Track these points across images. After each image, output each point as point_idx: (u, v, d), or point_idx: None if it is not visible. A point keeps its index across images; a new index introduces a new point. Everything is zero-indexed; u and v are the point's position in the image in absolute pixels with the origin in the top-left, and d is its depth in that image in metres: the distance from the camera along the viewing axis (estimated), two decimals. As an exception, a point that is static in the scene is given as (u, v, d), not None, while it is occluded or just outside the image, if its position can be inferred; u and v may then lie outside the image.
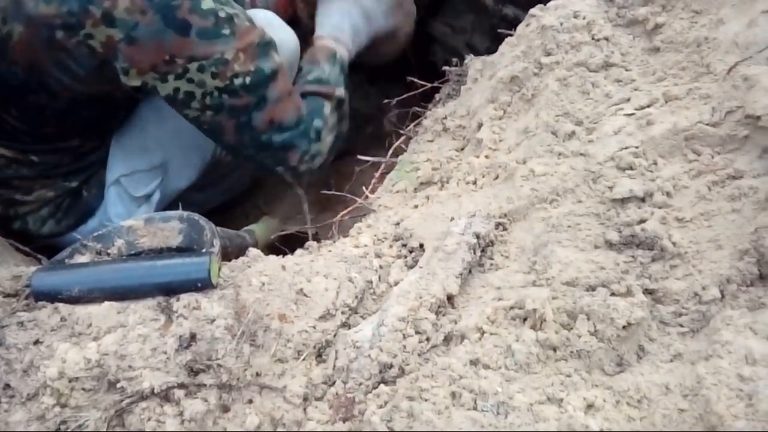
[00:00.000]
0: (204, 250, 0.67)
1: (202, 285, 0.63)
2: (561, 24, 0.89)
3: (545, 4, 0.96)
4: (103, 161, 1.12)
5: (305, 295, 0.65)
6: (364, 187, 0.98)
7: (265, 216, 1.39)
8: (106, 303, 0.63)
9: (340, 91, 1.14)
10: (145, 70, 0.90)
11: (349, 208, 0.96)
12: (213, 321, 0.61)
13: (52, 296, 0.63)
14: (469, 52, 2.00)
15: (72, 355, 0.58)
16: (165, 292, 0.64)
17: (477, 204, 0.77)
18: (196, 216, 0.73)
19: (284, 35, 1.12)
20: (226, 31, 0.92)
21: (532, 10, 0.95)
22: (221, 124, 1.00)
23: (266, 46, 0.98)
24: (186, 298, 0.63)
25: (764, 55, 0.74)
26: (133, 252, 0.70)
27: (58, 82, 0.93)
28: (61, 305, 0.63)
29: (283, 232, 1.19)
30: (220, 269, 0.67)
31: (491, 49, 1.13)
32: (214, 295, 0.63)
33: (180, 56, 0.90)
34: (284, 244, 1.20)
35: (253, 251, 0.72)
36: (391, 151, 1.07)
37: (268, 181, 1.75)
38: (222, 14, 0.92)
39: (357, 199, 0.95)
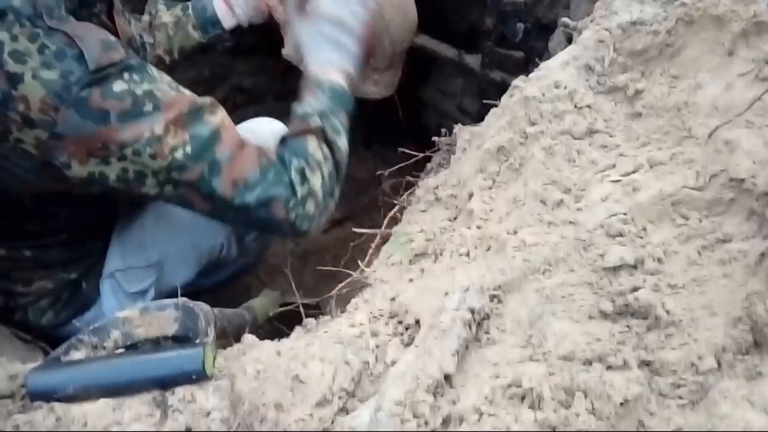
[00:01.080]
0: (198, 341, 0.67)
1: (197, 377, 0.63)
2: (543, 94, 0.91)
3: (527, 74, 0.99)
4: (102, 251, 1.12)
5: (301, 381, 0.65)
6: (359, 261, 0.98)
7: (265, 289, 1.39)
8: (102, 400, 0.62)
9: (316, 121, 1.04)
10: (84, 159, 0.86)
11: (344, 282, 0.96)
12: (208, 414, 0.61)
13: (47, 396, 0.63)
14: (461, 115, 2.06)
15: (67, 457, 0.57)
16: (160, 386, 0.63)
17: (471, 276, 0.78)
18: (191, 303, 0.73)
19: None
20: (149, 108, 0.87)
21: (514, 81, 0.98)
22: (186, 197, 0.94)
23: (198, 110, 0.92)
24: (181, 391, 0.62)
25: (744, 118, 0.76)
26: (129, 343, 0.70)
27: (15, 185, 0.91)
28: (56, 405, 0.62)
29: (283, 308, 1.19)
30: (215, 359, 0.67)
31: (482, 112, 1.16)
32: (210, 387, 0.63)
33: (111, 143, 0.85)
34: (285, 318, 1.20)
35: (248, 337, 0.72)
36: (386, 222, 1.08)
37: (268, 251, 1.75)
38: (139, 92, 0.86)
39: (352, 273, 0.95)
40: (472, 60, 1.75)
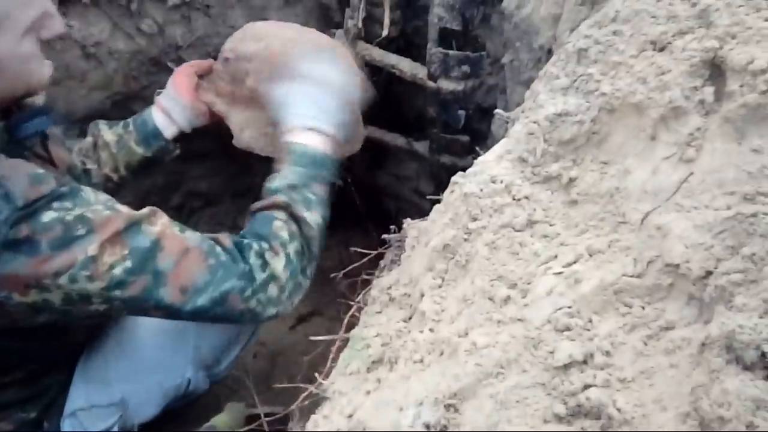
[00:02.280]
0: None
1: None
2: (481, 189, 0.93)
3: (475, 156, 1.01)
4: (62, 385, 1.08)
5: None
6: (316, 374, 0.96)
7: (229, 403, 1.35)
8: None
9: (282, 197, 1.03)
10: (23, 291, 0.85)
11: (302, 396, 0.94)
12: None
13: None
14: (418, 198, 2.09)
15: None
16: None
17: (426, 385, 0.76)
18: None
19: None
20: (81, 231, 0.86)
21: (453, 178, 1.00)
22: (140, 308, 0.93)
23: (136, 223, 0.92)
24: None
25: (672, 201, 0.78)
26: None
27: None
28: None
29: (248, 427, 1.15)
30: None
31: (437, 193, 1.17)
32: None
33: (45, 273, 0.84)
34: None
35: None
36: (344, 328, 1.07)
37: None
38: (70, 218, 0.86)
39: (309, 387, 0.93)
40: (421, 146, 1.80)
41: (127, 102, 1.76)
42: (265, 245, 1.00)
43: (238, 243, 1.00)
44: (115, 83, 1.68)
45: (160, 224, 0.94)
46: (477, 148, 1.63)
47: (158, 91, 1.36)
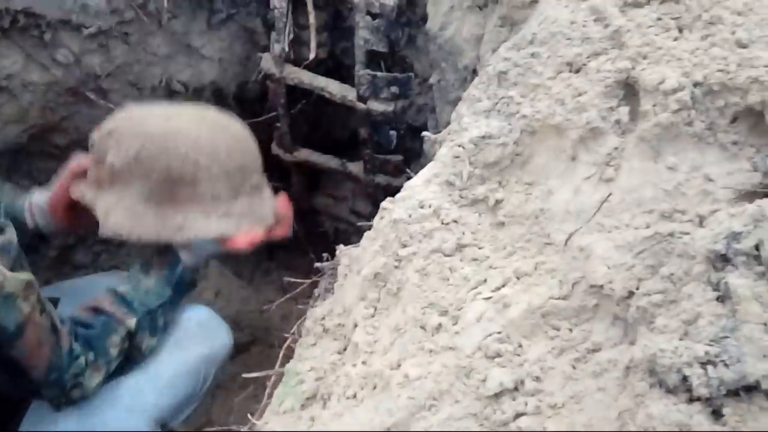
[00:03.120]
0: None
1: None
2: (410, 215, 0.92)
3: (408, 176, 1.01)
4: None
5: None
6: (249, 415, 0.93)
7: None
8: None
9: (132, 321, 1.11)
10: None
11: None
12: None
13: None
14: (355, 217, 2.07)
15: None
16: None
17: (359, 421, 0.74)
18: None
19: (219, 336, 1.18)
20: None
21: (383, 203, 0.99)
22: None
23: (9, 298, 0.95)
24: None
25: (594, 221, 0.79)
26: None
27: None
28: None
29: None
30: None
31: (374, 213, 1.16)
32: None
33: None
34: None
35: None
36: (279, 362, 1.04)
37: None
38: None
39: (242, 429, 0.90)
40: (355, 167, 1.78)
41: (46, 134, 1.68)
42: (90, 358, 1.07)
43: (68, 352, 1.05)
44: (31, 116, 1.60)
45: (30, 305, 0.97)
46: (408, 170, 1.65)
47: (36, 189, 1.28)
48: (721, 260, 0.58)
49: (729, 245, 0.58)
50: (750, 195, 0.68)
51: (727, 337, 0.53)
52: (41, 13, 1.51)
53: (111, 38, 1.57)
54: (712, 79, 0.76)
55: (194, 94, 1.77)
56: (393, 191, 1.03)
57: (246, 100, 1.88)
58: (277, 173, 2.01)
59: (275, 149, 1.85)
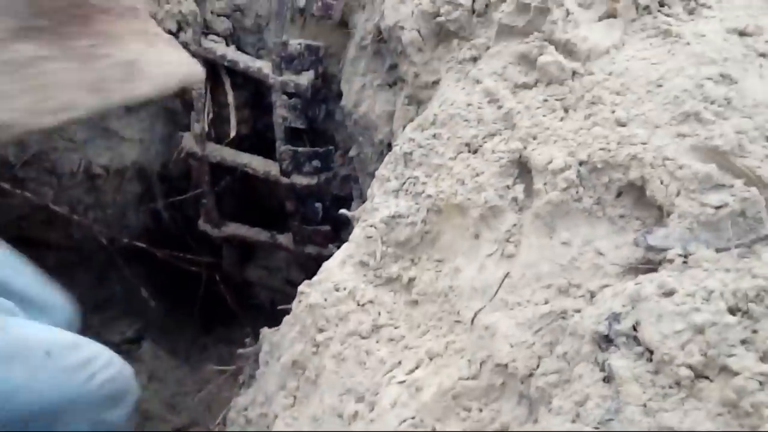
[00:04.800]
0: None
1: None
2: (326, 299, 0.93)
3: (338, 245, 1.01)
4: None
5: None
6: None
7: None
8: None
9: None
10: None
11: None
12: None
13: None
14: (291, 287, 2.06)
15: None
16: None
17: None
18: None
19: None
20: None
21: (300, 287, 1.00)
22: None
23: None
24: None
25: (498, 298, 0.82)
26: None
27: None
28: None
29: None
30: None
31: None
32: None
33: None
34: None
35: None
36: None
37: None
38: None
39: None
40: (285, 239, 1.79)
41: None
42: None
43: None
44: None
45: None
46: (340, 238, 1.66)
47: None
48: (605, 341, 0.61)
49: (610, 326, 0.61)
50: (635, 270, 0.72)
51: (611, 419, 0.55)
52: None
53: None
54: (596, 157, 0.81)
55: (116, 175, 1.76)
56: (325, 260, 1.03)
57: (170, 178, 1.87)
58: (207, 248, 2.00)
59: (202, 225, 1.84)
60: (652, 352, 0.57)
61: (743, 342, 0.52)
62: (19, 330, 1.05)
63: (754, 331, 0.52)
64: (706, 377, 0.52)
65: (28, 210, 1.64)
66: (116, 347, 1.99)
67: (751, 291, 0.54)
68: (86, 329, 2.04)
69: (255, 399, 0.99)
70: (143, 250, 1.80)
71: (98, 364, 1.11)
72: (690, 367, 0.53)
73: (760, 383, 0.49)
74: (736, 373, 0.50)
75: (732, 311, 0.54)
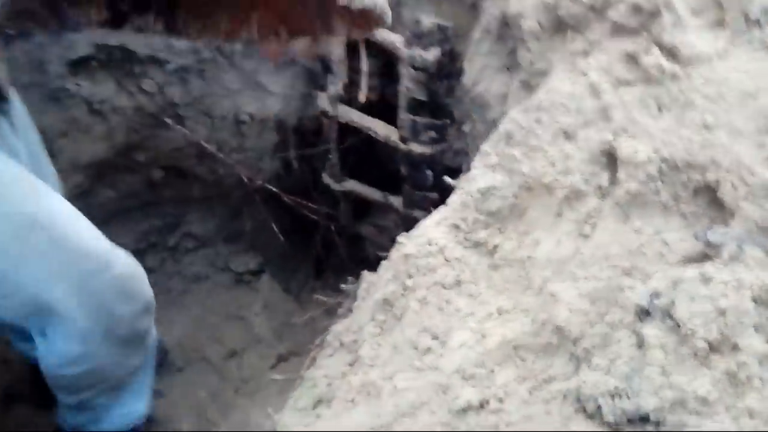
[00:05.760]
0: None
1: None
2: (419, 251, 1.07)
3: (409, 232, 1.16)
4: None
5: None
6: (270, 409, 1.09)
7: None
8: None
9: None
10: None
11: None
12: None
13: None
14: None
15: None
16: None
17: (353, 421, 0.89)
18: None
19: None
20: None
21: (398, 238, 1.14)
22: None
23: None
24: None
25: (568, 270, 0.92)
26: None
27: None
28: None
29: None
30: None
31: None
32: None
33: None
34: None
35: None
36: (305, 369, 1.20)
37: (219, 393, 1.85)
38: None
39: (265, 422, 1.06)
40: (397, 201, 1.94)
41: (129, 152, 1.93)
42: None
43: None
44: (117, 135, 1.85)
45: None
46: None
47: None
48: (644, 314, 0.70)
49: (651, 301, 0.70)
50: (691, 260, 0.80)
51: (633, 376, 0.65)
52: (133, 49, 1.76)
53: (190, 73, 1.80)
54: (678, 156, 0.88)
55: (259, 123, 1.98)
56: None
57: (304, 132, 2.08)
58: (328, 201, 2.20)
59: (326, 179, 2.03)
60: (680, 327, 0.66)
61: (756, 327, 0.60)
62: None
63: (767, 320, 0.60)
64: (719, 351, 0.61)
65: (183, 144, 1.91)
66: (238, 276, 2.27)
67: (773, 285, 0.62)
68: (218, 256, 2.33)
69: (349, 327, 1.15)
70: (274, 193, 2.02)
71: (116, 256, 1.23)
72: (707, 341, 0.62)
73: (759, 361, 0.58)
74: (742, 350, 0.59)
75: (754, 300, 0.62)
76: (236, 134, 1.95)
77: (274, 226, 1.96)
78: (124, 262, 1.26)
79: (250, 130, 1.99)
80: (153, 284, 1.46)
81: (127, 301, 1.26)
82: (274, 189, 1.95)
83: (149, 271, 2.13)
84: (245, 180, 1.93)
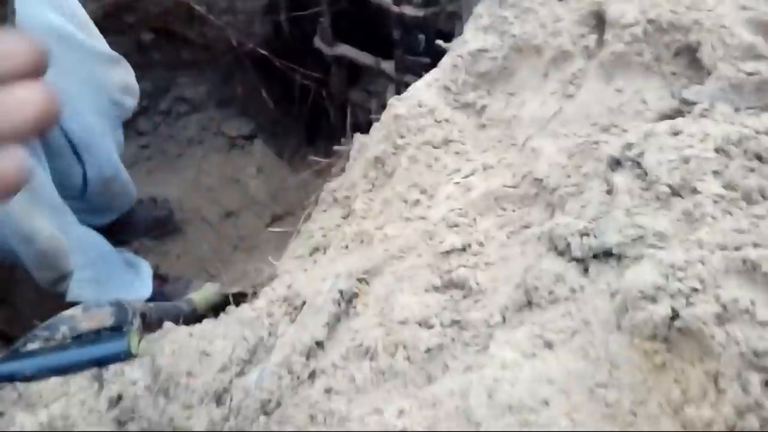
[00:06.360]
0: (125, 329, 0.86)
1: (125, 356, 0.83)
2: (409, 112, 1.11)
3: (401, 94, 1.19)
4: None
5: (207, 354, 0.85)
6: (270, 257, 1.18)
7: (207, 283, 1.59)
8: (53, 378, 0.82)
9: None
10: None
11: (260, 277, 1.17)
12: (135, 383, 0.81)
13: (11, 378, 0.82)
14: (387, 112, 2.24)
15: (27, 421, 0.77)
16: (98, 365, 0.83)
17: (346, 264, 0.98)
18: (124, 301, 0.93)
19: None
20: None
21: (390, 100, 1.18)
22: None
23: None
24: (113, 368, 0.82)
25: (550, 128, 0.97)
26: (75, 335, 0.90)
27: None
28: (18, 384, 0.82)
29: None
30: (140, 342, 0.87)
31: None
32: (135, 363, 0.83)
33: None
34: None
35: (167, 325, 0.92)
36: (301, 221, 1.29)
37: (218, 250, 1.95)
38: None
39: (265, 268, 1.15)
40: (388, 66, 1.95)
41: (118, 12, 1.90)
42: None
43: None
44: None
45: None
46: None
47: None
48: (616, 163, 0.77)
49: (623, 153, 0.76)
50: (666, 116, 0.85)
51: (600, 217, 0.73)
52: None
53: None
54: (664, 17, 0.91)
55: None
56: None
57: (294, -6, 2.04)
58: (320, 66, 2.19)
59: (317, 43, 2.02)
60: (647, 174, 0.72)
61: (715, 173, 0.67)
62: None
63: (726, 166, 0.67)
64: (679, 195, 0.68)
65: (172, 5, 1.87)
66: (232, 140, 2.31)
67: (734, 136, 0.68)
68: (210, 121, 2.36)
69: (342, 184, 1.22)
70: (264, 57, 2.02)
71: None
72: (669, 186, 0.69)
73: (714, 201, 0.65)
74: (699, 193, 0.66)
75: (717, 150, 0.69)
76: (224, -5, 1.91)
77: (264, 93, 1.97)
78: None
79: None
80: (148, 147, 1.50)
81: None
82: (264, 52, 1.95)
83: (143, 134, 2.18)
84: (235, 43, 1.91)
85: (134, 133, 2.08)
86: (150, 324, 0.98)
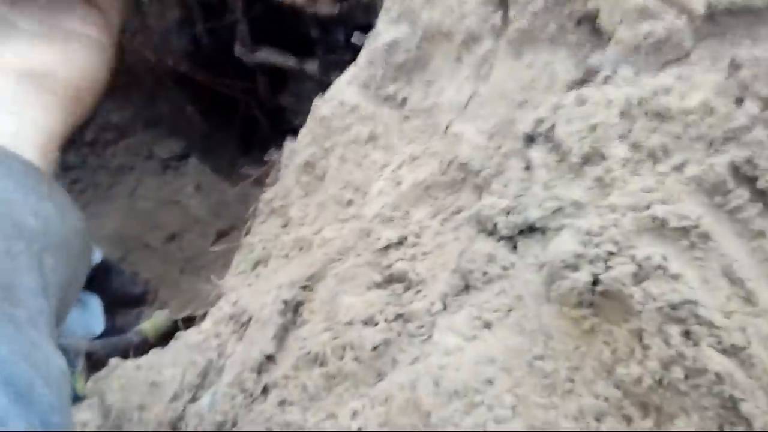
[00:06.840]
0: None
1: (72, 399, 0.81)
2: (333, 113, 1.12)
3: (323, 95, 1.20)
4: None
5: (157, 385, 0.84)
6: (213, 277, 1.17)
7: (156, 311, 1.56)
8: None
9: None
10: None
11: (206, 298, 1.15)
12: (85, 425, 0.79)
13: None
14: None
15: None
16: (44, 413, 0.81)
17: (289, 274, 0.98)
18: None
19: None
20: None
21: (315, 101, 1.18)
22: None
23: None
24: (61, 413, 0.80)
25: (468, 113, 0.99)
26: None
27: None
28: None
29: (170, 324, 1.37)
30: (86, 382, 0.85)
31: None
32: (84, 405, 0.81)
33: None
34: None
35: (112, 361, 0.90)
36: (243, 236, 1.27)
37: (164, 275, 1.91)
38: None
39: (210, 288, 1.14)
40: (312, 67, 1.94)
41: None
42: None
43: None
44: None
45: None
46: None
47: None
48: (530, 140, 0.78)
49: (535, 128, 0.78)
50: (573, 86, 0.88)
51: (522, 195, 0.75)
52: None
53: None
54: (562, -10, 0.93)
55: (158, 1, 1.90)
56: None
57: (208, 5, 2.01)
58: (244, 75, 2.17)
59: (238, 51, 2.00)
60: (559, 146, 0.74)
61: (620, 136, 0.69)
62: None
63: (630, 129, 0.69)
64: (590, 162, 0.70)
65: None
66: (165, 162, 2.28)
67: (634, 98, 0.70)
68: (140, 145, 2.31)
69: (277, 193, 1.21)
70: (187, 75, 1.99)
71: None
72: (581, 155, 0.71)
73: (623, 165, 0.67)
74: (608, 158, 0.68)
75: (621, 114, 0.71)
76: (136, 14, 1.87)
77: (189, 108, 1.94)
78: None
79: (151, 8, 1.91)
80: (77, 181, 1.44)
81: None
82: (183, 69, 1.92)
83: (71, 168, 2.12)
84: (153, 62, 1.88)
85: (61, 169, 2.02)
86: (98, 361, 0.97)
